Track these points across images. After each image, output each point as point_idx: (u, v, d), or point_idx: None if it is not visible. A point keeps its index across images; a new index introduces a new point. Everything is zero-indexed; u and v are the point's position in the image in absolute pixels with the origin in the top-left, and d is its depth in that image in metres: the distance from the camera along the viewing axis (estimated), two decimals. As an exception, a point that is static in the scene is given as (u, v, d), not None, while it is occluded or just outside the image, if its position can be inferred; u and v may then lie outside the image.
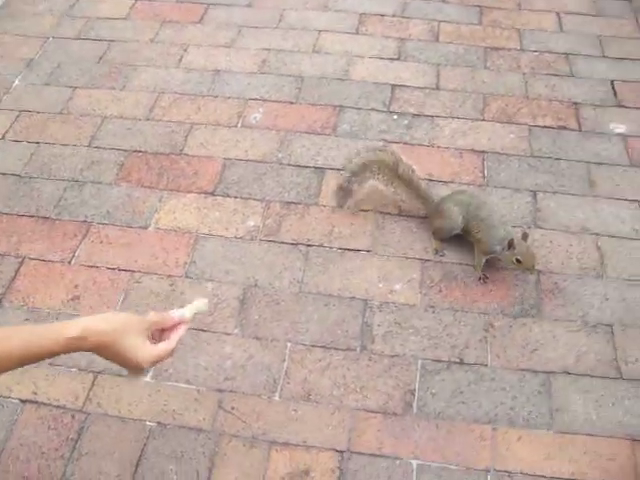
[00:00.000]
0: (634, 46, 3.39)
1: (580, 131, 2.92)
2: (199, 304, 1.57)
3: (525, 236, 2.28)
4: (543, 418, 2.02)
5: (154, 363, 1.44)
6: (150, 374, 2.10)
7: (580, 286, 2.34)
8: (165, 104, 3.03)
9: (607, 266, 2.40)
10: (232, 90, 3.10)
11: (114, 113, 2.99)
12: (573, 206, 2.60)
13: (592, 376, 2.11)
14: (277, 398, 2.06)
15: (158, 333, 1.50)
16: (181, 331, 1.50)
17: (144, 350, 1.41)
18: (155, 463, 1.92)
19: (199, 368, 2.12)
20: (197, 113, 2.98)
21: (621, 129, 2.94)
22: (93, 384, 2.09)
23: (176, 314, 1.51)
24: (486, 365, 2.14)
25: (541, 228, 2.52)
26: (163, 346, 1.45)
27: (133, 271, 2.38)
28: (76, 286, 2.34)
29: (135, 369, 1.43)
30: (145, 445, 1.96)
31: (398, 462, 1.93)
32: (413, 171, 2.47)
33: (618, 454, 1.94)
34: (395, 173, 2.47)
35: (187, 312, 1.53)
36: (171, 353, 1.46)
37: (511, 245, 2.23)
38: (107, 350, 1.38)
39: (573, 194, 2.64)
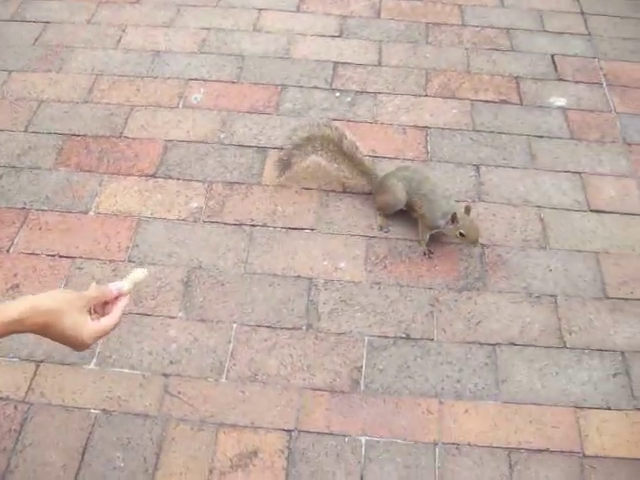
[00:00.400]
0: (574, 20, 3.43)
1: (521, 105, 2.94)
2: (137, 274, 1.56)
3: (468, 210, 2.29)
4: (489, 390, 2.04)
5: (98, 338, 1.43)
6: (94, 361, 2.07)
7: (523, 258, 2.36)
8: (104, 86, 2.97)
9: (550, 237, 2.43)
10: (172, 70, 3.05)
11: (51, 96, 2.92)
12: (515, 179, 2.62)
13: (536, 346, 2.14)
14: (224, 380, 2.04)
15: (100, 307, 1.48)
16: (122, 304, 1.49)
17: (87, 327, 1.40)
18: (101, 451, 1.89)
19: (143, 353, 2.09)
20: (137, 95, 2.92)
21: (561, 102, 2.97)
22: (35, 373, 2.04)
23: (114, 287, 1.49)
24: (432, 339, 2.14)
25: (484, 201, 2.53)
26: (106, 321, 1.44)
27: (74, 257, 2.33)
28: (15, 274, 2.28)
29: (79, 347, 1.41)
30: (91, 433, 1.93)
31: (347, 439, 1.93)
32: (357, 148, 2.46)
33: (562, 422, 1.97)
34: (339, 149, 2.46)
35: (125, 284, 1.52)
36: (114, 327, 1.46)
37: (454, 219, 2.24)
38: (51, 329, 1.36)
39: (515, 167, 2.66)
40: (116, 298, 1.50)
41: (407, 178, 2.39)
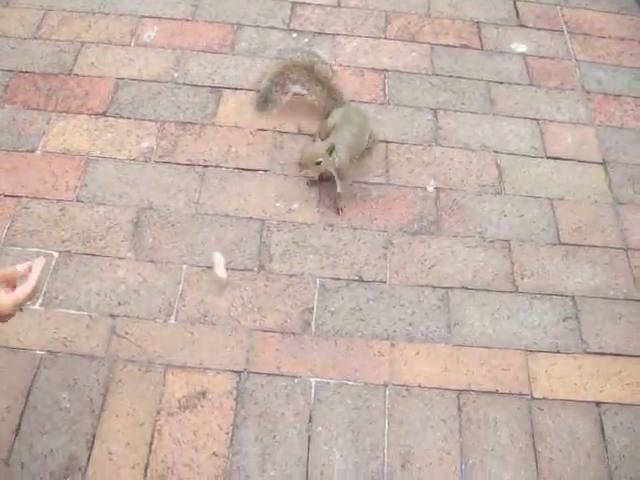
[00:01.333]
0: (537, -33, 3.38)
1: (482, 50, 2.91)
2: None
3: (331, 149, 2.18)
4: (441, 332, 2.04)
5: (16, 307, 1.45)
6: (39, 301, 2.01)
7: (479, 203, 2.35)
8: (53, 22, 2.85)
9: (505, 183, 2.42)
10: (125, 7, 2.94)
11: (-3, 31, 2.81)
12: (473, 124, 2.59)
13: (489, 290, 2.14)
14: (173, 321, 2.01)
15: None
16: (37, 271, 1.49)
17: (1, 300, 1.42)
18: (47, 392, 1.86)
19: (91, 294, 2.05)
20: (88, 31, 2.82)
21: (522, 49, 2.94)
22: (-22, 314, 1.99)
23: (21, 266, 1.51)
24: (385, 282, 2.13)
25: (441, 146, 2.51)
26: (21, 289, 1.46)
27: (20, 197, 2.26)
28: (-42, 213, 2.21)
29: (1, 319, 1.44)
30: (36, 375, 1.89)
31: (296, 380, 1.92)
32: (332, 72, 2.49)
33: (512, 364, 1.98)
34: (311, 72, 2.45)
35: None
36: (31, 293, 1.46)
37: (331, 151, 2.18)
38: None
39: (474, 112, 2.64)
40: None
41: (348, 109, 2.39)
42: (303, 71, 2.45)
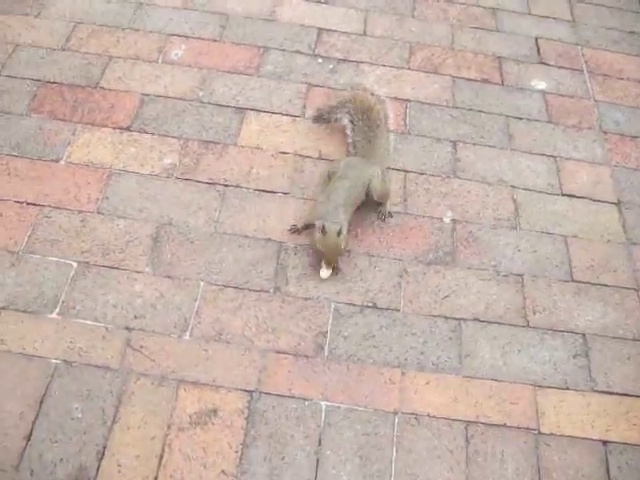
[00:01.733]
0: (559, 5, 3.44)
1: (502, 85, 2.95)
2: None
3: (323, 229, 2.14)
4: (452, 363, 2.05)
5: None
6: (56, 310, 2.04)
7: (494, 236, 2.38)
8: (82, 35, 2.90)
9: (521, 218, 2.44)
10: (154, 24, 2.99)
11: (27, 41, 2.84)
12: (491, 158, 2.62)
13: (501, 324, 2.16)
14: (187, 337, 2.03)
15: None
16: None
17: None
18: (60, 401, 1.87)
19: (108, 306, 2.07)
20: (116, 46, 2.87)
21: (542, 86, 2.97)
22: (-4, 320, 2.01)
23: None
24: (398, 310, 2.15)
25: (459, 178, 2.54)
26: None
27: (42, 205, 2.29)
28: (-19, 218, 2.24)
29: None
30: (50, 383, 1.91)
31: (307, 403, 1.93)
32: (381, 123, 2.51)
33: (521, 398, 2.00)
34: (367, 114, 2.49)
35: None
36: None
37: (339, 232, 2.13)
38: None
39: (492, 146, 2.67)
40: None
41: (359, 162, 2.39)
42: (360, 109, 2.50)
